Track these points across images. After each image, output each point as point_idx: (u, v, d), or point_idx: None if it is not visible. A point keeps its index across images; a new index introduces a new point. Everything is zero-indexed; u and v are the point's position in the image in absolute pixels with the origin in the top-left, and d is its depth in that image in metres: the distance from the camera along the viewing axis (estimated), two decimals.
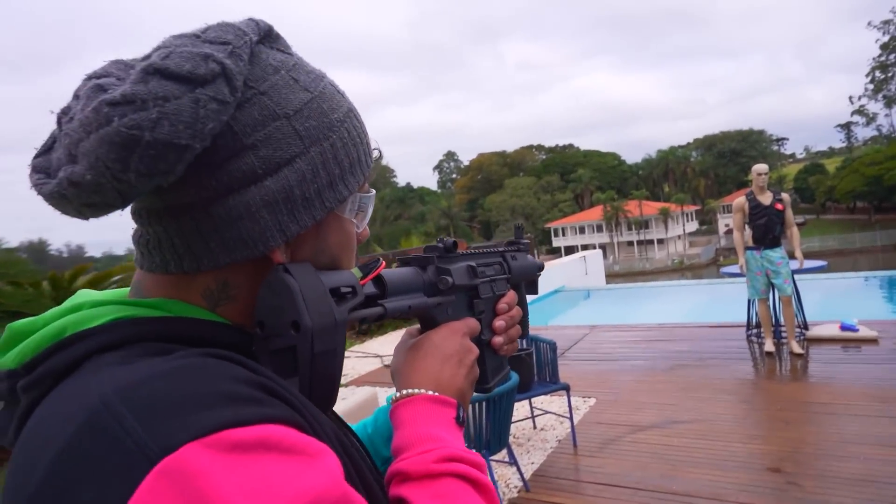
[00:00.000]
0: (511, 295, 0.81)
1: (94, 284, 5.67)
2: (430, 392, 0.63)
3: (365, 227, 0.66)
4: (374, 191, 0.65)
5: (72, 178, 0.45)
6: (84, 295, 0.55)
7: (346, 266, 0.62)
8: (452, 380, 0.66)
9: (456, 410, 0.63)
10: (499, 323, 0.78)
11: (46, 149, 0.50)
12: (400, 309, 0.63)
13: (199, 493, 0.36)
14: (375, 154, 0.64)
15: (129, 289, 0.58)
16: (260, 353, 0.53)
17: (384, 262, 0.64)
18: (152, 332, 0.50)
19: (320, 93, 0.57)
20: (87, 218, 0.49)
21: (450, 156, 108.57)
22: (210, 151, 0.49)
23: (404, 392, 0.64)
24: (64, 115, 0.49)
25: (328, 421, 0.53)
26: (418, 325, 0.74)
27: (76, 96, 0.48)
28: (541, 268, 0.96)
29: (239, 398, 0.42)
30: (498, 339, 0.77)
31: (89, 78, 0.49)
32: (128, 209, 0.54)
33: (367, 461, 0.60)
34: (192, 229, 0.51)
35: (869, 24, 70.57)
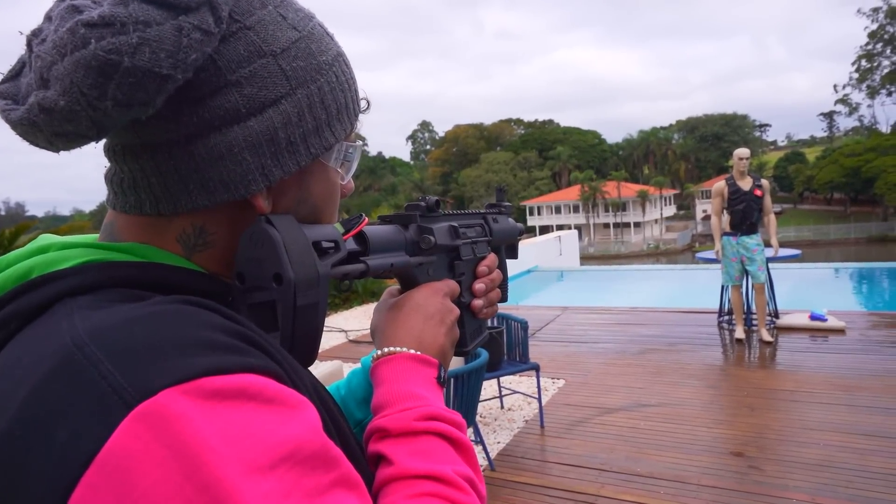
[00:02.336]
0: (492, 258, 0.80)
1: None
2: (412, 350, 0.63)
3: (350, 179, 0.64)
4: (361, 142, 0.63)
5: (43, 103, 0.42)
6: (49, 238, 0.52)
7: (329, 219, 0.60)
8: (434, 339, 0.65)
9: (437, 370, 0.63)
10: (479, 286, 0.77)
11: (15, 73, 0.47)
12: (382, 267, 0.62)
13: (177, 437, 0.36)
14: (363, 105, 0.62)
15: (95, 235, 0.55)
16: (238, 307, 0.51)
17: (367, 219, 0.62)
18: (126, 277, 0.48)
19: (309, 32, 0.55)
20: (58, 150, 0.46)
21: (425, 126, 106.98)
22: (191, 85, 0.46)
23: (385, 350, 0.63)
24: (35, 38, 0.45)
25: (308, 374, 0.52)
26: (398, 286, 0.73)
27: (48, 17, 0.45)
28: (522, 231, 0.95)
29: (219, 346, 0.41)
30: (478, 302, 0.77)
31: None
32: (101, 145, 0.52)
33: (343, 417, 0.59)
34: (170, 168, 0.49)
35: (858, 10, 70.91)
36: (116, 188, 0.53)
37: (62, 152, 0.47)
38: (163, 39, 0.42)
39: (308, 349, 0.52)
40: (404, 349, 0.63)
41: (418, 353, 0.63)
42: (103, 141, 0.51)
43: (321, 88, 0.54)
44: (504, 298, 0.85)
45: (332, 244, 0.55)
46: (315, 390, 0.51)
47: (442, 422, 0.56)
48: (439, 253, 0.72)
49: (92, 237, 0.54)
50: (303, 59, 0.53)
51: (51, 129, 0.44)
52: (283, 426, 0.40)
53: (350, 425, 0.63)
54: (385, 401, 0.58)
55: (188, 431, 0.36)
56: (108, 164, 0.54)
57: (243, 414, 0.39)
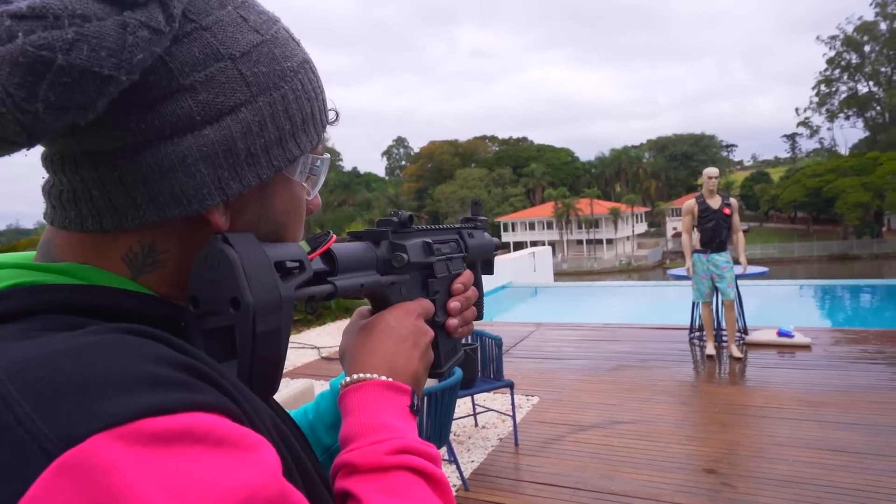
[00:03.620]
0: (467, 275, 0.77)
1: None
2: (384, 377, 0.58)
3: (316, 194, 0.60)
4: (328, 154, 0.59)
5: None
6: None
7: (293, 237, 0.56)
8: (407, 364, 0.61)
9: (410, 397, 0.59)
10: (454, 304, 0.73)
11: None
12: (352, 287, 0.58)
13: (107, 492, 0.31)
14: (332, 115, 0.58)
15: (31, 252, 0.51)
16: (192, 333, 0.47)
17: (335, 236, 0.58)
18: (59, 301, 0.43)
19: (272, 37, 0.51)
20: None
21: (399, 142, 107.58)
22: (139, 89, 0.42)
23: (355, 377, 0.58)
24: None
25: (267, 409, 0.47)
26: (369, 306, 0.69)
27: None
28: (498, 246, 0.92)
29: (161, 382, 0.36)
30: (453, 321, 0.73)
31: None
32: (36, 153, 0.46)
33: (309, 453, 0.55)
34: (115, 180, 0.45)
35: (817, 38, 73.82)
36: (55, 202, 0.48)
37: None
38: (104, 36, 0.38)
39: (269, 379, 0.48)
40: (375, 376, 0.58)
41: (390, 379, 0.58)
42: (38, 149, 0.46)
43: (285, 96, 0.50)
44: (480, 316, 0.82)
45: (296, 264, 0.51)
46: (275, 426, 0.47)
47: (415, 455, 0.52)
48: (412, 271, 0.68)
49: (27, 256, 0.49)
50: (265, 65, 0.49)
51: None
52: (235, 472, 0.35)
53: (317, 458, 0.59)
54: (353, 433, 0.54)
55: (120, 484, 0.31)
56: (45, 175, 0.49)
57: (188, 460, 0.34)
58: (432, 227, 0.76)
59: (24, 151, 0.42)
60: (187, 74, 0.45)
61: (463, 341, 0.81)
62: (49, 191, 0.49)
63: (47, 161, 0.48)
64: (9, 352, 0.37)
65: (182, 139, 0.45)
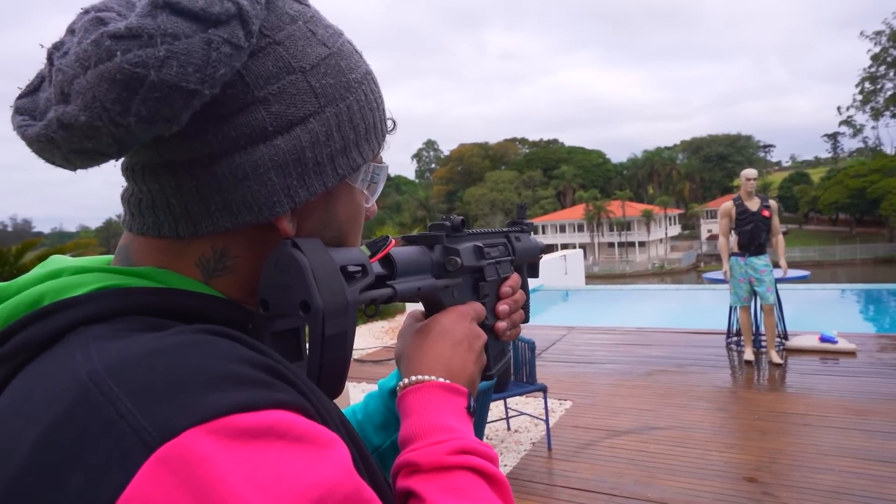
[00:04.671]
0: (515, 278, 0.78)
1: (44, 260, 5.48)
2: (441, 379, 0.60)
3: (374, 202, 0.62)
4: (387, 163, 0.61)
5: (63, 118, 0.40)
6: (61, 261, 0.49)
7: (353, 242, 0.58)
8: (463, 366, 0.62)
9: (467, 399, 0.60)
10: (502, 307, 0.75)
11: (33, 88, 0.46)
12: (410, 291, 0.60)
13: (203, 483, 0.33)
14: (390, 125, 0.61)
15: (109, 256, 0.54)
16: (261, 335, 0.50)
17: (394, 241, 0.61)
18: (144, 304, 0.46)
19: (338, 49, 0.53)
20: (75, 168, 0.44)
21: (429, 144, 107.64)
22: (218, 102, 0.45)
23: (413, 378, 0.60)
24: (56, 51, 0.43)
25: (336, 408, 0.50)
26: (422, 308, 0.70)
27: (71, 30, 0.43)
28: (543, 250, 0.93)
29: (245, 380, 0.39)
30: (501, 324, 0.74)
31: (87, 11, 0.43)
32: (119, 164, 0.49)
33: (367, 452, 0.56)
34: (192, 189, 0.47)
35: (861, 33, 71.02)
36: (134, 209, 0.51)
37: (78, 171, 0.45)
38: (191, 53, 0.41)
39: (336, 381, 0.50)
40: (433, 377, 0.60)
41: (447, 381, 0.60)
42: (121, 160, 0.49)
43: (350, 107, 0.52)
44: (526, 319, 0.82)
45: (359, 268, 0.53)
46: (343, 425, 0.49)
47: (475, 455, 0.53)
48: (464, 274, 0.70)
49: (106, 259, 0.52)
50: (332, 77, 0.51)
51: (69, 146, 0.41)
52: (315, 467, 0.37)
53: (372, 457, 0.60)
54: (414, 433, 0.55)
55: (214, 476, 0.33)
56: (125, 184, 0.52)
57: (272, 455, 0.36)
58: (482, 230, 0.76)
59: (112, 162, 0.44)
60: (262, 87, 0.47)
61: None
62: (129, 199, 0.51)
63: (128, 171, 0.50)
64: (106, 351, 0.39)
65: (255, 149, 0.47)
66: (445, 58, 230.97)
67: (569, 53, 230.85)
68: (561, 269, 13.58)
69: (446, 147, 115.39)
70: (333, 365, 0.49)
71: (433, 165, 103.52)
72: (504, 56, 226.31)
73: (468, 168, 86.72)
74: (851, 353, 6.18)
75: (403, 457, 0.54)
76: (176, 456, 0.34)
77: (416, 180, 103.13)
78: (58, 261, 0.50)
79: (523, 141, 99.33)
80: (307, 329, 0.48)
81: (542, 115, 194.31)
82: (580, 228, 62.53)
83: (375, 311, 0.57)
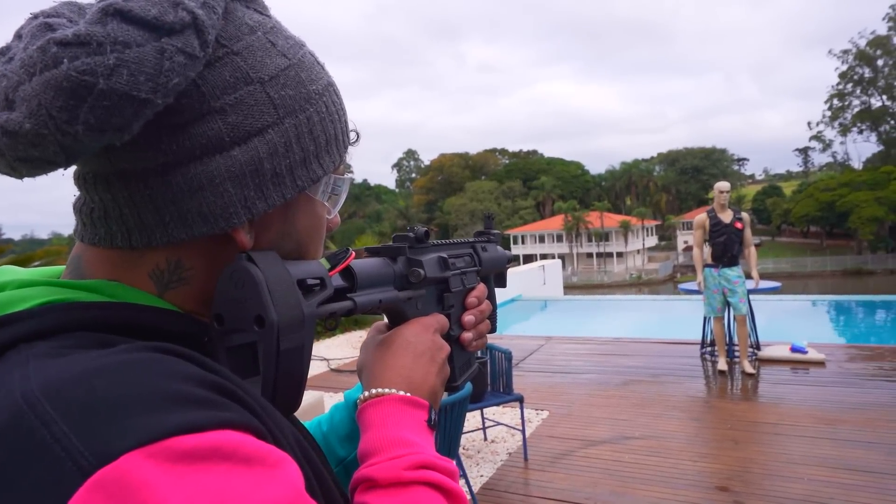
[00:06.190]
0: (481, 288, 0.78)
1: None
2: (402, 392, 0.59)
3: (336, 214, 0.62)
4: (350, 175, 0.61)
5: (6, 125, 0.39)
6: (7, 273, 0.48)
7: (313, 255, 0.58)
8: (425, 379, 0.61)
9: (428, 412, 0.59)
10: (468, 318, 0.74)
11: None
12: (370, 303, 0.59)
13: None
14: (353, 137, 0.60)
15: (60, 267, 0.52)
16: (215, 350, 0.49)
17: (354, 253, 0.60)
18: (91, 319, 0.44)
19: (299, 61, 0.53)
20: (21, 176, 0.43)
21: (410, 154, 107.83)
22: (172, 111, 0.44)
23: (374, 391, 0.59)
24: (2, 56, 0.42)
25: (289, 425, 0.48)
26: (385, 321, 0.70)
27: (18, 35, 0.43)
28: (511, 259, 0.93)
29: (191, 400, 0.37)
30: (467, 335, 0.74)
31: (36, 17, 0.43)
32: (70, 171, 0.48)
33: (326, 466, 0.56)
34: (145, 199, 0.46)
35: (829, 52, 73.35)
36: (86, 219, 0.49)
37: (29, 178, 0.44)
38: (143, 61, 0.40)
39: (291, 396, 0.49)
40: (393, 391, 0.59)
41: (408, 394, 0.59)
42: (72, 168, 0.48)
43: (310, 118, 0.52)
44: (493, 329, 0.82)
45: (317, 282, 0.52)
46: (297, 442, 0.48)
47: (434, 470, 0.52)
48: (428, 286, 0.69)
49: (54, 271, 0.51)
50: (292, 88, 0.51)
51: (14, 154, 0.40)
52: (262, 489, 0.36)
53: (333, 471, 0.59)
54: (373, 448, 0.54)
55: (154, 501, 0.32)
56: (77, 193, 0.51)
57: (217, 477, 0.35)
58: (447, 241, 0.76)
59: (60, 171, 0.43)
60: (218, 97, 0.46)
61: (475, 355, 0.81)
62: (80, 208, 0.50)
63: (80, 179, 0.49)
64: (44, 370, 0.38)
65: (211, 159, 0.46)
66: (425, 69, 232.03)
67: (547, 66, 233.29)
68: (539, 279, 13.64)
69: (427, 157, 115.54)
70: (289, 380, 0.48)
71: (413, 175, 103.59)
72: (483, 68, 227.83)
73: (448, 178, 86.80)
74: (821, 363, 6.30)
75: (361, 472, 0.53)
76: (113, 481, 0.32)
77: (397, 190, 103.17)
78: (4, 272, 0.48)
79: (503, 152, 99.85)
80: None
81: (521, 127, 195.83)
82: (559, 239, 62.89)
83: (336, 324, 0.57)
